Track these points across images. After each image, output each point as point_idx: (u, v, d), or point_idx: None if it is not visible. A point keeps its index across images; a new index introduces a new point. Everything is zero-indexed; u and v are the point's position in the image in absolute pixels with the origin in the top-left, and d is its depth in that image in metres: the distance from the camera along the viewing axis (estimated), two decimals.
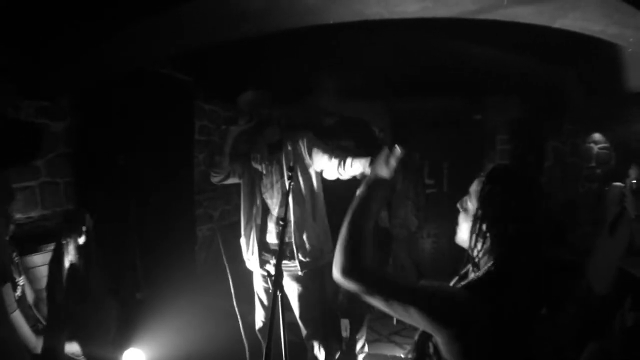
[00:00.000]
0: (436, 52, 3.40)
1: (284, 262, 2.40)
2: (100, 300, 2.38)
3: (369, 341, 3.25)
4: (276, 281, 1.62)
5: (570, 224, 4.81)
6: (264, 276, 2.55)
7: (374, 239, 1.07)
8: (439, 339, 1.02)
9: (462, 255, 1.16)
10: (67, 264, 2.27)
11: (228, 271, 2.69)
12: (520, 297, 1.02)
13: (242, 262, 2.63)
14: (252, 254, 2.53)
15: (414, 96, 4.85)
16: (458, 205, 1.16)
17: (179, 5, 1.98)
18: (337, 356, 3.01)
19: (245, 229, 2.56)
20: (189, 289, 3.42)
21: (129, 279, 2.99)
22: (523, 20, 2.20)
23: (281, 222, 1.93)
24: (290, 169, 2.07)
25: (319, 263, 2.49)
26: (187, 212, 3.89)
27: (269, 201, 2.50)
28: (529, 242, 1.04)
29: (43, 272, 2.46)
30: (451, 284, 1.16)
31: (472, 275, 1.09)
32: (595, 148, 5.19)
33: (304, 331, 2.60)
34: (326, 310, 2.98)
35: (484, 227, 1.07)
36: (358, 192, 1.15)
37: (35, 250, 2.52)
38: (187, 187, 3.89)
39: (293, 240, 2.43)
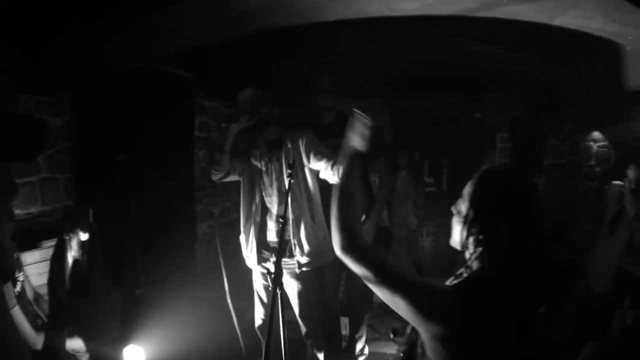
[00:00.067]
0: (436, 49, 3.40)
1: (283, 259, 2.40)
2: (103, 296, 2.38)
3: (368, 340, 3.24)
4: (276, 279, 1.63)
5: (570, 223, 4.81)
6: (263, 274, 2.55)
7: (374, 239, 1.09)
8: (422, 333, 1.03)
9: (460, 255, 1.16)
10: (70, 259, 2.27)
11: (223, 269, 2.70)
12: (512, 297, 1.01)
13: (242, 259, 2.64)
14: (251, 251, 2.53)
15: (414, 94, 4.85)
16: (452, 209, 1.16)
17: (178, 3, 1.98)
18: (336, 354, 3.02)
19: (244, 227, 2.57)
20: (188, 286, 3.42)
21: (129, 276, 3.00)
22: (523, 17, 2.20)
23: (281, 220, 1.93)
24: (290, 166, 2.07)
25: (318, 262, 2.49)
26: (187, 210, 3.89)
27: (268, 199, 2.50)
28: (521, 243, 1.03)
29: (43, 268, 2.46)
30: (446, 283, 1.16)
31: (464, 276, 1.09)
32: (595, 146, 5.17)
33: (303, 329, 2.60)
34: (326, 309, 2.98)
35: (475, 229, 1.06)
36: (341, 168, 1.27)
37: (35, 246, 2.52)
38: (187, 184, 3.88)
39: (292, 238, 2.43)
